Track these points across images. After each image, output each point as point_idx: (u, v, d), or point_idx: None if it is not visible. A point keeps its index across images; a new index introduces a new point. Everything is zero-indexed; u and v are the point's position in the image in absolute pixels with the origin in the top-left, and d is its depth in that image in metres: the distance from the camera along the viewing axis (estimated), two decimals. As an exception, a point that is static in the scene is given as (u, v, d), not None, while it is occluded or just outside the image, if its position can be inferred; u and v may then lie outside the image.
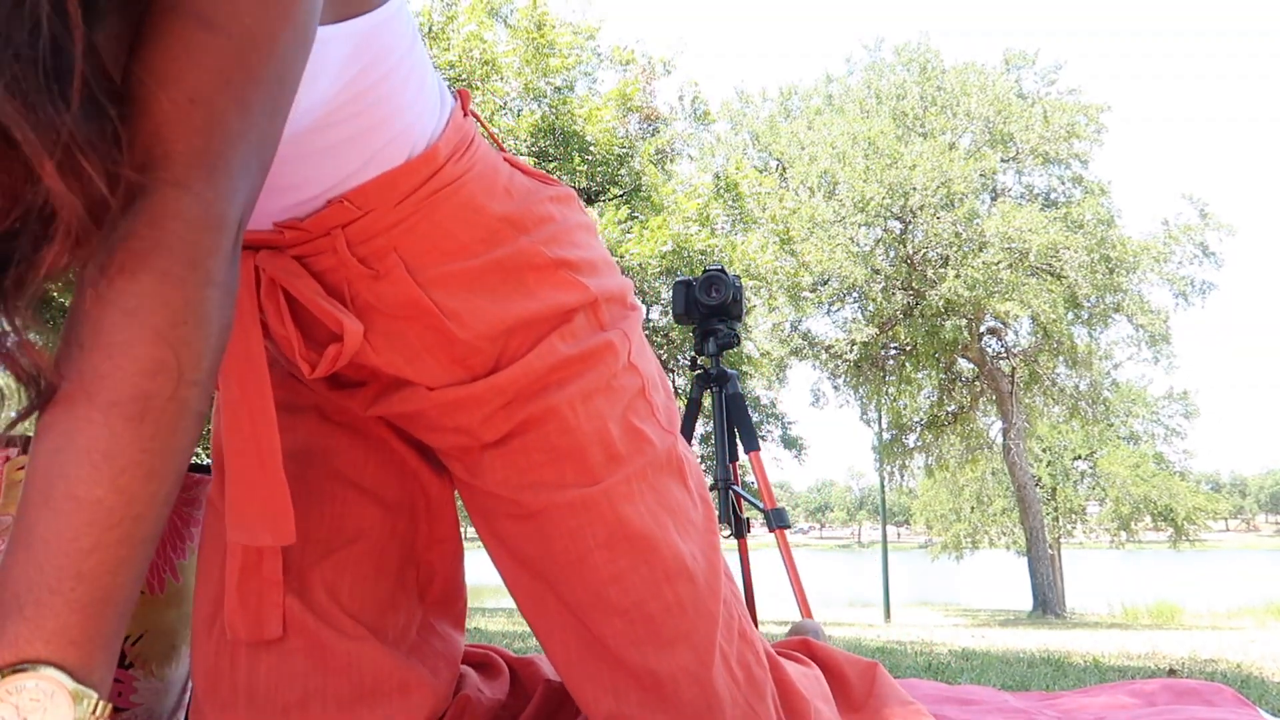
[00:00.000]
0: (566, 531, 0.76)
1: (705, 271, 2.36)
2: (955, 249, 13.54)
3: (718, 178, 10.26)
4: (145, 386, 0.44)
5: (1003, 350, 15.24)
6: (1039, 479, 20.31)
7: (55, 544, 0.42)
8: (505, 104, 8.75)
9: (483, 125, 0.79)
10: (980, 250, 13.43)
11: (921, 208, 13.60)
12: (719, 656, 0.80)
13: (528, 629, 4.35)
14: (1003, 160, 14.77)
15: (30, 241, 0.45)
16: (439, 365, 0.74)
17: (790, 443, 16.89)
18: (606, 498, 0.75)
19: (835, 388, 16.20)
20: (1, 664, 0.41)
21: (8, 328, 0.45)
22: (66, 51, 0.41)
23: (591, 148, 9.21)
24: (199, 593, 0.80)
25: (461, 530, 0.91)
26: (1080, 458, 23.03)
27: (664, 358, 10.47)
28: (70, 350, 0.45)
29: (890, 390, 15.91)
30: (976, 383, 15.92)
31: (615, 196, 9.74)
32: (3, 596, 0.42)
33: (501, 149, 0.81)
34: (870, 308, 14.50)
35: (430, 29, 7.78)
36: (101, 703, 0.42)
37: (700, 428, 9.05)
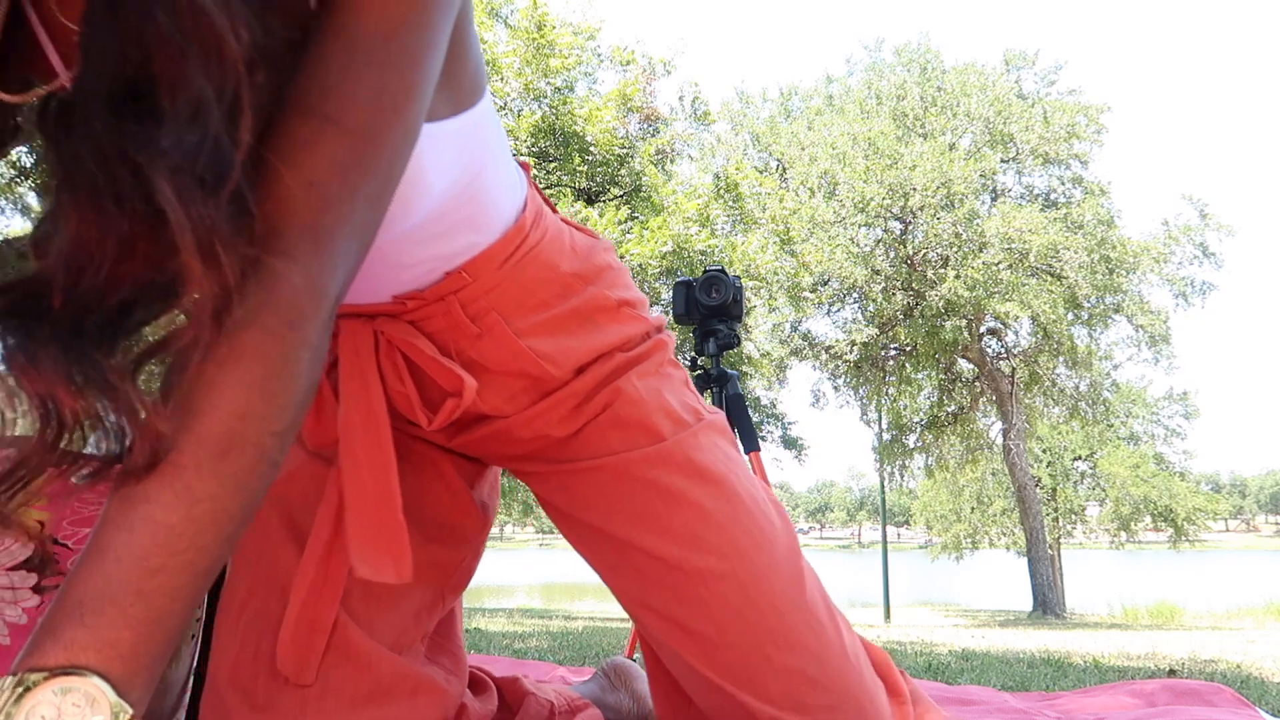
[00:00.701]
0: (646, 481, 0.81)
1: (705, 272, 2.36)
2: (955, 249, 13.54)
3: (718, 178, 10.26)
4: (233, 427, 0.48)
5: (1003, 351, 15.24)
6: (1039, 479, 20.31)
7: (125, 560, 0.45)
8: (505, 104, 8.75)
9: (538, 191, 0.86)
10: (980, 251, 13.43)
11: (922, 208, 13.60)
12: (811, 590, 0.83)
13: (528, 629, 4.34)
14: (1003, 161, 14.76)
15: (145, 312, 0.49)
16: (529, 399, 0.83)
17: (790, 443, 16.87)
18: (678, 447, 0.83)
19: (835, 388, 16.21)
20: (54, 663, 0.42)
21: (118, 388, 0.48)
22: (228, 158, 0.47)
23: (591, 148, 9.20)
24: (235, 575, 0.83)
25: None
26: (1080, 458, 23.02)
27: (664, 358, 10.44)
28: (173, 387, 0.49)
29: (890, 391, 15.91)
30: (976, 383, 15.92)
31: (615, 197, 9.73)
32: (68, 600, 0.44)
33: (554, 210, 0.89)
34: (870, 308, 14.50)
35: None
36: None
37: (700, 428, 9.01)
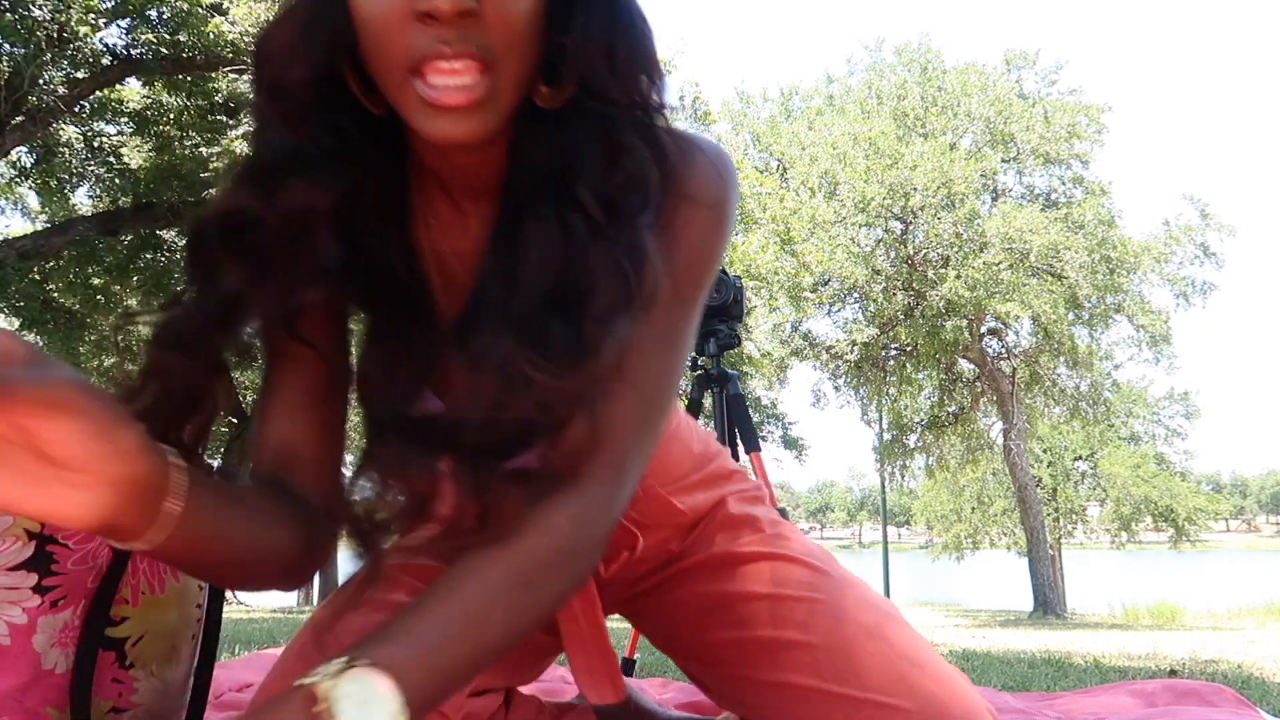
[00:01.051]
0: (744, 555, 0.95)
1: (706, 272, 2.34)
2: (956, 249, 13.53)
3: (718, 178, 10.28)
4: (531, 575, 0.64)
5: (1003, 351, 15.23)
6: (1039, 479, 20.30)
7: (438, 620, 0.61)
8: (506, 104, 8.76)
9: None
10: (981, 251, 13.42)
11: (922, 208, 13.59)
12: (903, 620, 0.93)
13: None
14: (1003, 161, 14.75)
15: (516, 445, 0.68)
16: (668, 535, 1.01)
17: (791, 443, 16.87)
18: (775, 538, 0.97)
19: (836, 388, 16.21)
20: (371, 660, 0.56)
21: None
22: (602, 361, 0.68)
23: (592, 148, 9.15)
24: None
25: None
26: (1081, 458, 23.02)
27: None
28: (512, 519, 0.66)
29: (891, 391, 15.90)
30: (977, 383, 15.91)
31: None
32: (399, 624, 0.60)
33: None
34: (871, 308, 14.50)
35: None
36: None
37: (701, 428, 9.01)
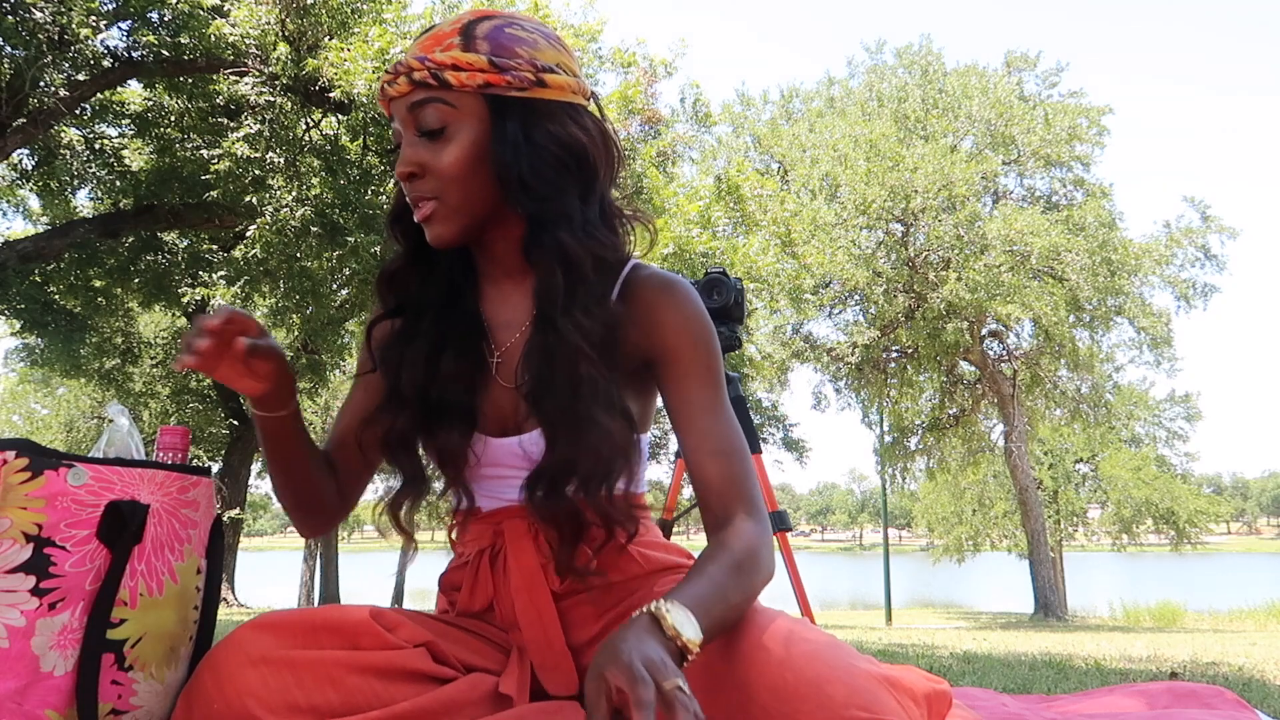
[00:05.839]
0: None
1: (707, 274, 2.36)
2: (957, 252, 13.53)
3: (719, 180, 10.26)
4: (742, 562, 0.92)
5: (1004, 353, 15.22)
6: (1040, 482, 20.28)
7: (704, 581, 0.87)
8: (507, 107, 8.74)
9: None
10: (982, 253, 13.42)
11: (923, 210, 13.59)
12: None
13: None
14: (1004, 163, 14.75)
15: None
16: (628, 581, 1.16)
17: (792, 445, 16.85)
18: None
19: (837, 390, 16.20)
20: (678, 599, 0.82)
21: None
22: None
23: (593, 150, 9.12)
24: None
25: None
26: (1082, 460, 22.99)
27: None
28: (716, 534, 0.97)
29: (892, 393, 15.89)
30: (978, 385, 15.90)
31: (616, 199, 9.68)
32: (689, 585, 0.86)
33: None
34: (872, 310, 14.50)
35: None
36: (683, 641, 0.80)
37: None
